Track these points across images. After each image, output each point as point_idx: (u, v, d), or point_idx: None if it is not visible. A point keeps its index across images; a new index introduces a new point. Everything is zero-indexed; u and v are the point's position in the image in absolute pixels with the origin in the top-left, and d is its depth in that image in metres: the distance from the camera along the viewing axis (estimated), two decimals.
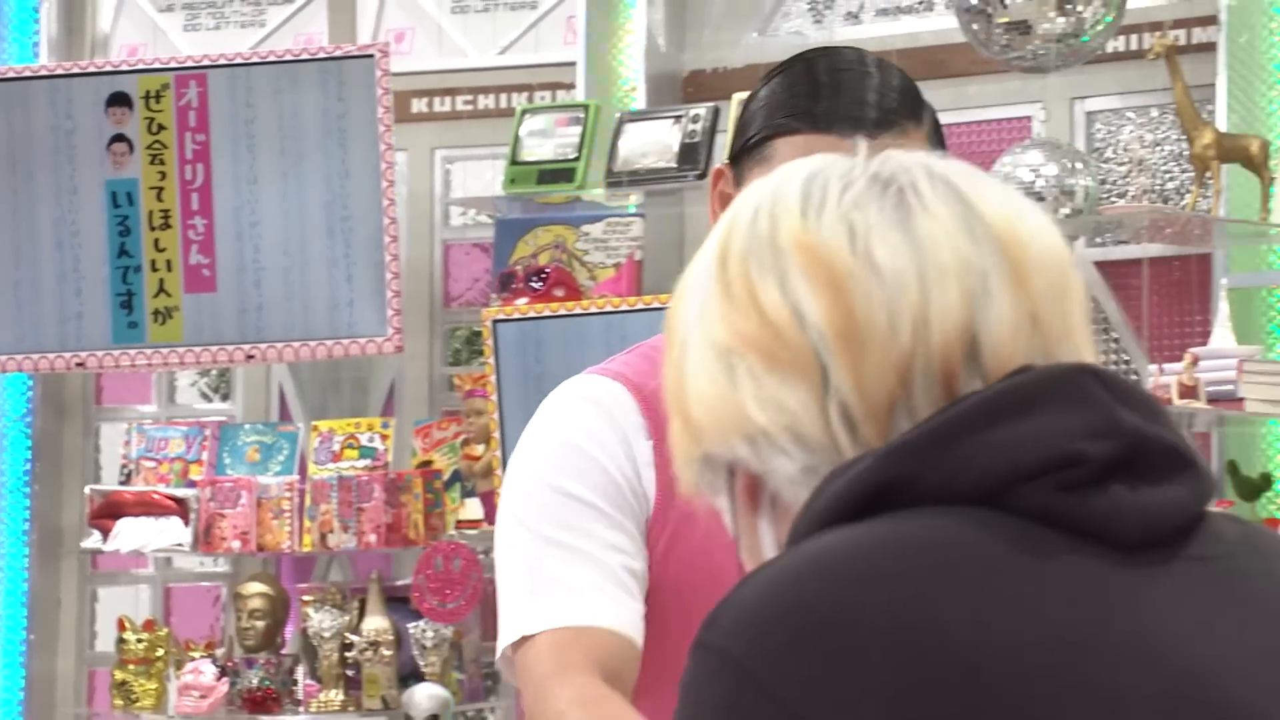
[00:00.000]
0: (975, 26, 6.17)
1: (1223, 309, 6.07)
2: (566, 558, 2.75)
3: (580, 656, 2.69)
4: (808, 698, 1.51)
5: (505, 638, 2.71)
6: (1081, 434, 1.60)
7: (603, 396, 2.82)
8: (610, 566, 2.75)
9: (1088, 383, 1.64)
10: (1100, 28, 6.11)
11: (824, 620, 1.53)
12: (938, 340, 1.64)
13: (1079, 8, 6.07)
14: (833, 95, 2.80)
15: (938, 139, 2.87)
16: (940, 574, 1.55)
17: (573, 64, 7.13)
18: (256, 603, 6.96)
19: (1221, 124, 6.22)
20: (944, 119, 7.23)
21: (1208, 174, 6.03)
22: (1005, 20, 6.09)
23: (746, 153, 2.84)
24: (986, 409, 1.60)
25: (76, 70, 7.01)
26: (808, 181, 1.70)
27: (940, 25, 6.75)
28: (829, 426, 1.64)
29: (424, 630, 6.76)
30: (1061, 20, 6.07)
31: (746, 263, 1.66)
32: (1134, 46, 6.49)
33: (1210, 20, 6.40)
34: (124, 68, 6.97)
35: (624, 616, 2.73)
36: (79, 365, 6.96)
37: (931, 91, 7.09)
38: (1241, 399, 5.89)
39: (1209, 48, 6.39)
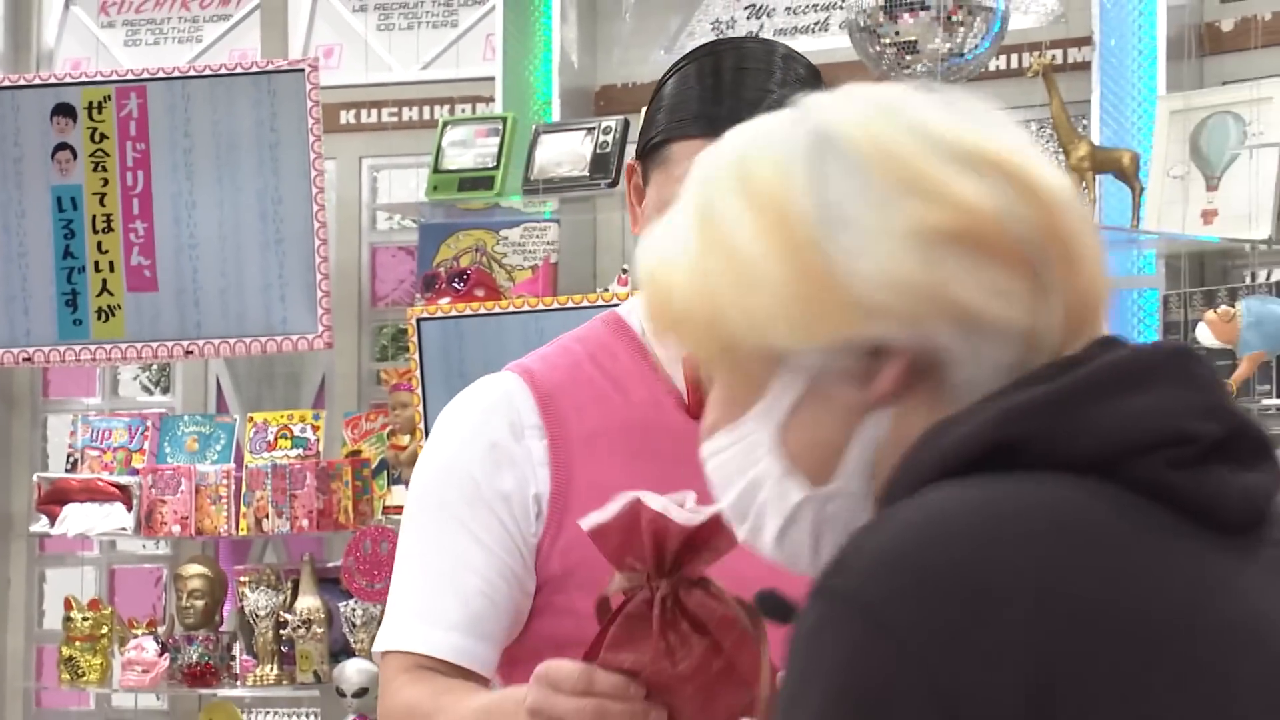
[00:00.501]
0: (867, 46, 6.23)
1: None
2: (431, 581, 2.77)
3: (430, 674, 2.74)
4: (941, 651, 1.45)
5: (377, 643, 2.81)
6: (1191, 413, 1.56)
7: (495, 401, 2.80)
8: (467, 593, 2.74)
9: (1190, 363, 1.62)
10: (981, 48, 6.18)
11: (963, 576, 1.47)
12: (1100, 286, 1.65)
13: (961, 29, 6.14)
14: (733, 96, 2.75)
15: None
16: (1071, 544, 1.50)
17: (492, 79, 7.12)
18: (196, 583, 6.97)
19: (1095, 138, 6.26)
20: None
21: (1083, 184, 6.04)
22: (894, 40, 6.17)
23: (648, 154, 2.82)
24: (1104, 379, 1.57)
25: (23, 82, 6.96)
26: (923, 92, 1.68)
27: (834, 45, 6.75)
28: (1042, 323, 1.60)
29: (354, 609, 6.77)
30: (946, 40, 6.15)
31: (912, 155, 1.62)
32: (1014, 65, 6.53)
33: (1085, 41, 6.45)
34: (68, 80, 6.93)
35: (470, 654, 2.75)
36: (26, 360, 6.95)
37: None
38: None
39: (1084, 67, 6.44)
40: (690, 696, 2.14)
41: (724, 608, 2.13)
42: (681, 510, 2.10)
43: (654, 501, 2.10)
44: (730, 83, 2.78)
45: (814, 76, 2.82)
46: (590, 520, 2.14)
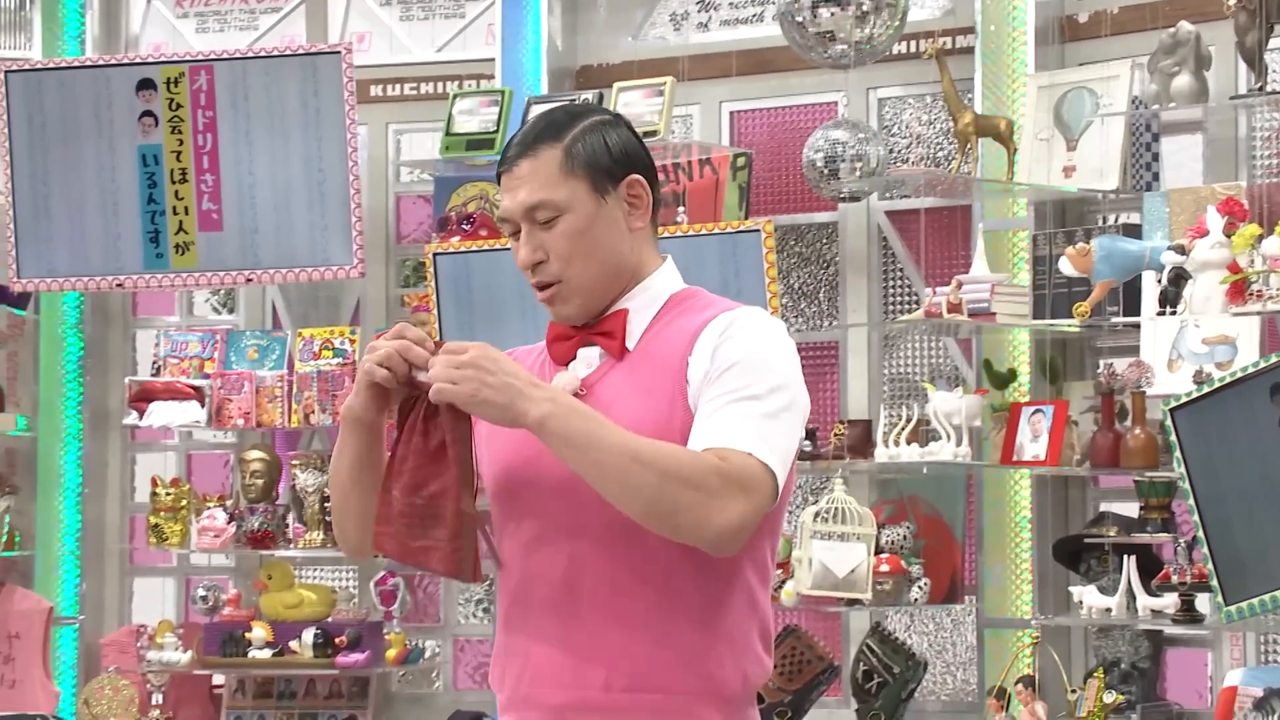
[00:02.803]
0: (794, 34, 6.22)
1: (979, 246, 6.13)
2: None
3: None
4: None
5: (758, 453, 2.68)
6: None
7: None
8: None
9: None
10: (886, 35, 6.17)
11: None
12: None
13: (871, 20, 6.13)
14: (503, 153, 2.85)
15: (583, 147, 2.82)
16: None
17: (492, 60, 7.11)
18: (256, 466, 6.98)
19: (978, 108, 6.27)
20: (771, 104, 7.31)
21: (969, 145, 6.07)
22: (817, 30, 6.15)
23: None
24: None
25: (114, 62, 6.94)
26: None
27: (769, 33, 6.72)
28: None
29: None
30: (858, 30, 6.13)
31: None
32: (912, 49, 6.52)
33: (970, 30, 6.43)
34: (150, 60, 6.91)
35: None
36: (119, 286, 6.95)
37: (761, 82, 7.18)
38: (994, 313, 5.94)
39: (969, 50, 6.42)
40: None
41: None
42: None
43: None
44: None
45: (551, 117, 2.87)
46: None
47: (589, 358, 2.80)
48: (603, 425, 2.60)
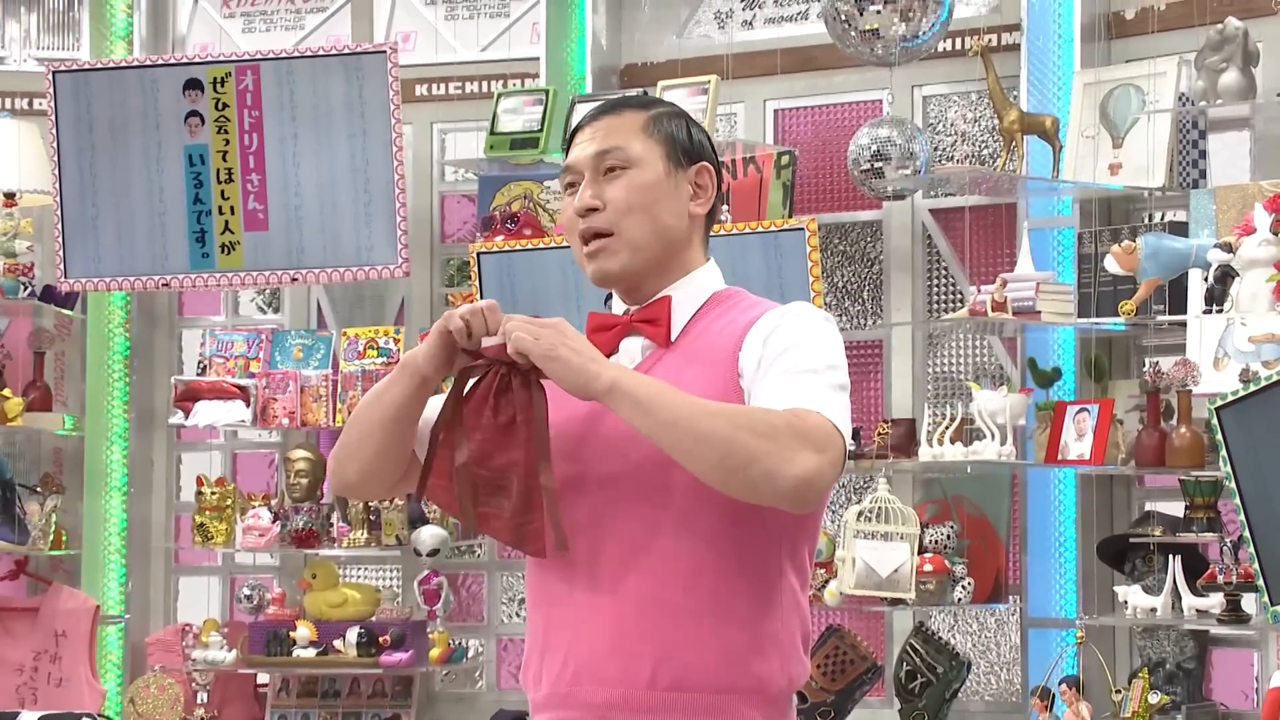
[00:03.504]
0: (839, 32, 6.22)
1: (1025, 244, 6.12)
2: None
3: None
4: None
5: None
6: None
7: None
8: None
9: None
10: (932, 33, 6.16)
11: None
12: None
13: (916, 18, 6.12)
14: (587, 112, 2.89)
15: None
16: None
17: (537, 59, 7.11)
18: (301, 465, 7.00)
19: (1024, 105, 6.26)
20: (815, 102, 7.29)
21: (1014, 143, 6.05)
22: (862, 28, 6.15)
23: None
24: None
25: (161, 62, 6.95)
26: None
27: (813, 30, 6.73)
28: None
29: None
30: (903, 27, 6.13)
31: None
32: (958, 47, 6.50)
33: (1015, 27, 6.43)
34: (197, 60, 6.91)
35: None
36: (165, 285, 6.96)
37: (806, 80, 7.16)
38: (1039, 311, 5.93)
39: (1014, 48, 6.42)
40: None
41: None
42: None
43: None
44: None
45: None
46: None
47: (631, 351, 2.79)
48: (672, 389, 2.60)
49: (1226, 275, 5.53)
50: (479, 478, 2.70)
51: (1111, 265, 5.84)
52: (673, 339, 2.78)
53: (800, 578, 2.77)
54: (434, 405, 2.80)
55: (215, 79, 6.81)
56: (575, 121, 2.86)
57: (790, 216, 6.27)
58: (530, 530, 2.68)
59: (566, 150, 2.85)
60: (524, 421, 2.67)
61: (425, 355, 2.72)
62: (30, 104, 7.42)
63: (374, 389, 2.81)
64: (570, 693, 2.73)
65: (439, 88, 7.36)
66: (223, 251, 6.83)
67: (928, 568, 5.88)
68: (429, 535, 6.75)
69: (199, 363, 7.20)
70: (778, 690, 2.71)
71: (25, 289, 7.02)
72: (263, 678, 7.13)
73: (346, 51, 6.82)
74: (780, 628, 2.71)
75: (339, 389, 6.89)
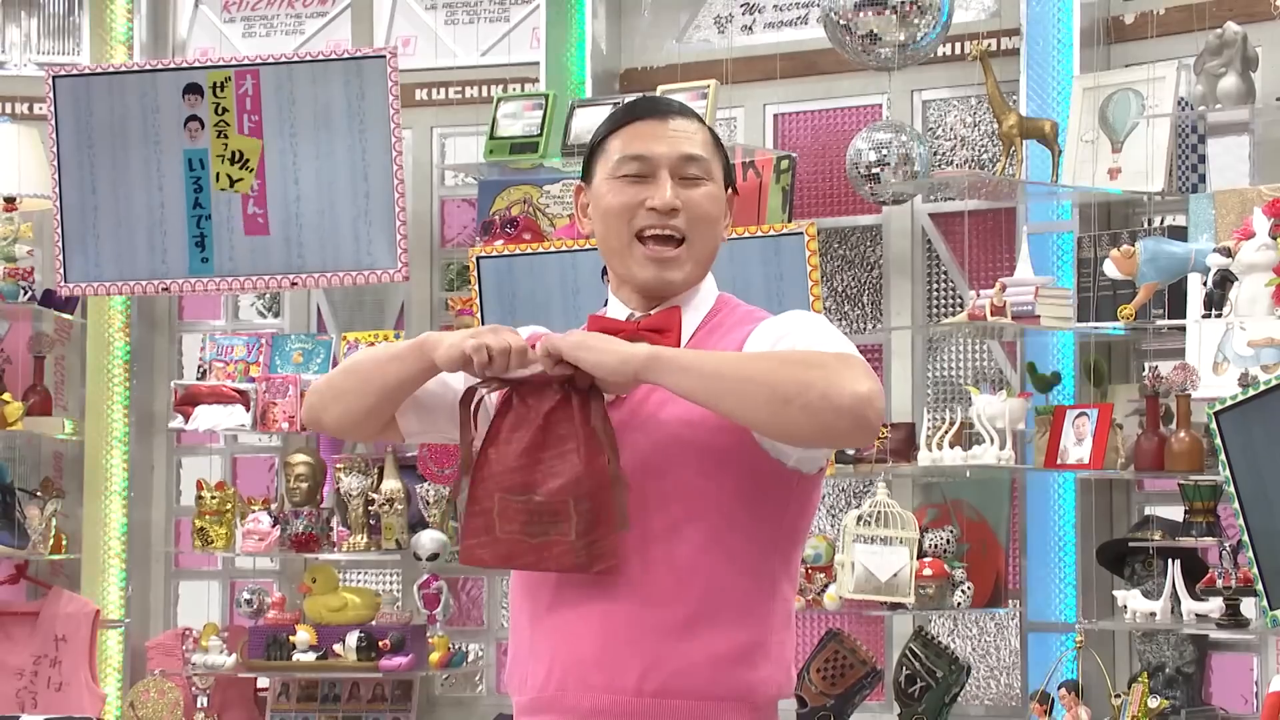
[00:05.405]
0: (839, 36, 6.22)
1: (1024, 248, 6.12)
2: None
3: None
4: None
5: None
6: None
7: None
8: None
9: None
10: (931, 38, 6.17)
11: None
12: None
13: (915, 22, 6.12)
14: (646, 100, 2.86)
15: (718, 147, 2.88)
16: None
17: (537, 63, 7.11)
18: (301, 469, 6.99)
19: (1023, 110, 6.27)
20: (814, 107, 7.29)
21: (1013, 147, 6.06)
22: (861, 32, 6.15)
23: (591, 158, 2.88)
24: None
25: (161, 66, 6.96)
26: None
27: (813, 35, 6.73)
28: None
29: (427, 489, 6.80)
30: (902, 32, 6.13)
31: None
32: (957, 51, 6.50)
33: (1014, 32, 6.43)
34: (196, 64, 6.92)
35: None
36: (164, 290, 6.96)
37: (805, 85, 7.17)
38: (1038, 316, 5.93)
39: (1013, 53, 6.42)
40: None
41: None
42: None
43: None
44: (641, 100, 2.90)
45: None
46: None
47: None
48: (707, 350, 2.65)
49: (1226, 280, 5.53)
50: (528, 508, 2.66)
51: (1111, 270, 5.85)
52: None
53: (791, 587, 2.77)
54: (439, 378, 2.80)
55: (215, 83, 6.82)
56: (628, 108, 2.83)
57: (790, 221, 6.27)
58: (602, 547, 2.64)
59: (603, 137, 2.83)
60: (584, 431, 2.64)
61: (445, 357, 2.70)
62: (30, 108, 7.43)
63: (382, 350, 2.80)
64: (556, 698, 2.72)
65: (439, 92, 7.36)
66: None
67: (927, 572, 5.89)
68: (429, 540, 6.76)
69: (199, 367, 7.20)
70: (765, 699, 2.72)
71: (25, 293, 7.02)
72: (262, 682, 7.13)
73: (346, 56, 6.82)
74: (770, 636, 2.72)
75: None
